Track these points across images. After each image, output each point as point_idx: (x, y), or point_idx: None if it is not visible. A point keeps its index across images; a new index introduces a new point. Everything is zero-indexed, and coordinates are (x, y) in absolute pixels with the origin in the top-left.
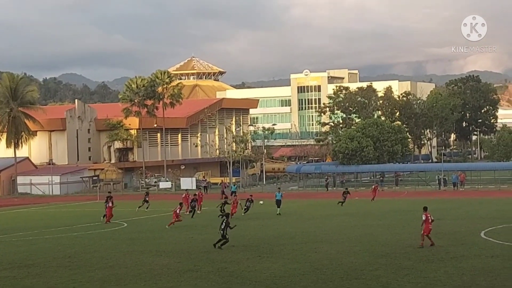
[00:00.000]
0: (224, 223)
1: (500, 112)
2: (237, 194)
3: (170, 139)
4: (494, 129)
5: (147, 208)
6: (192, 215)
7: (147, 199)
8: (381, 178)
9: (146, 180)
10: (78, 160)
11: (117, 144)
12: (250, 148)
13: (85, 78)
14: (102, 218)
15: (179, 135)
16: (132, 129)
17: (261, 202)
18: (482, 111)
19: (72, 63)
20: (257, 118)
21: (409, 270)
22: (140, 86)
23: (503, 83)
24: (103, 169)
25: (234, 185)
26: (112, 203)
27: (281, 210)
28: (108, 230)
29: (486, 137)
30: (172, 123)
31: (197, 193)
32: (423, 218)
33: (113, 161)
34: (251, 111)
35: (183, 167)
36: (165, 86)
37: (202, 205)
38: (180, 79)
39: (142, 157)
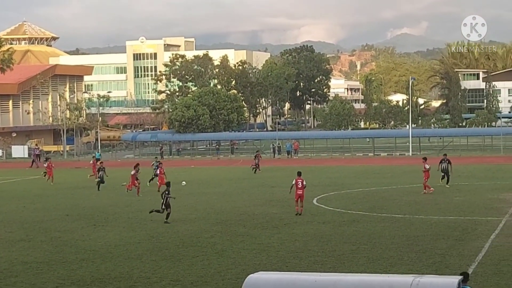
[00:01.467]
0: (165, 194)
1: (333, 82)
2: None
3: (1, 105)
4: (327, 99)
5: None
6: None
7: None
8: (217, 146)
9: None
10: None
11: None
12: (84, 115)
13: None
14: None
15: (10, 102)
16: None
17: (183, 183)
18: (316, 80)
19: None
20: (91, 85)
21: (243, 236)
22: None
23: (336, 54)
24: None
25: (98, 152)
26: None
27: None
28: None
29: (319, 106)
30: (2, 89)
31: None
32: (293, 182)
33: None
34: (86, 78)
35: (15, 134)
36: None
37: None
38: (11, 44)
39: None
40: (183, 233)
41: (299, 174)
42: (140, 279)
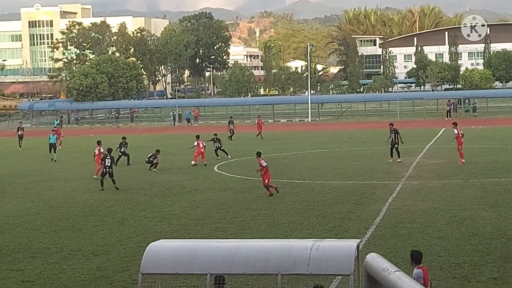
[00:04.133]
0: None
1: (232, 49)
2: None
3: None
4: (226, 66)
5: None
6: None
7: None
8: (116, 115)
9: None
10: None
11: None
12: None
13: None
14: None
15: None
16: None
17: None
18: (215, 47)
19: None
20: None
21: (145, 205)
22: None
23: (235, 21)
24: None
25: (56, 121)
26: None
27: (53, 155)
28: None
29: (219, 73)
30: None
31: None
32: (264, 164)
33: None
34: None
35: None
36: None
37: None
38: None
39: None
40: (83, 203)
41: (259, 154)
42: (40, 249)
